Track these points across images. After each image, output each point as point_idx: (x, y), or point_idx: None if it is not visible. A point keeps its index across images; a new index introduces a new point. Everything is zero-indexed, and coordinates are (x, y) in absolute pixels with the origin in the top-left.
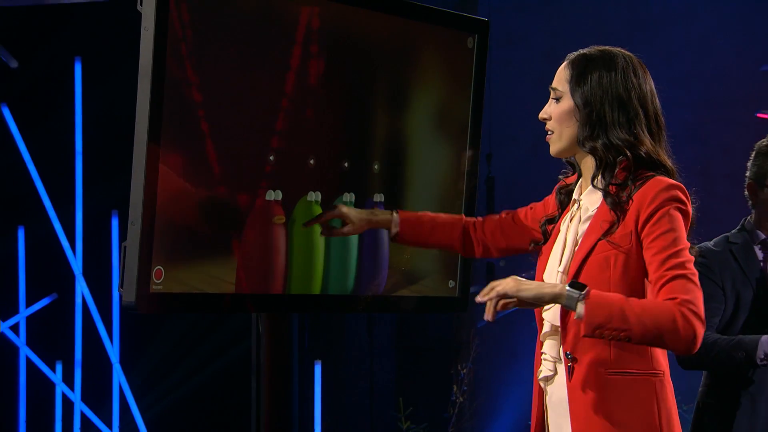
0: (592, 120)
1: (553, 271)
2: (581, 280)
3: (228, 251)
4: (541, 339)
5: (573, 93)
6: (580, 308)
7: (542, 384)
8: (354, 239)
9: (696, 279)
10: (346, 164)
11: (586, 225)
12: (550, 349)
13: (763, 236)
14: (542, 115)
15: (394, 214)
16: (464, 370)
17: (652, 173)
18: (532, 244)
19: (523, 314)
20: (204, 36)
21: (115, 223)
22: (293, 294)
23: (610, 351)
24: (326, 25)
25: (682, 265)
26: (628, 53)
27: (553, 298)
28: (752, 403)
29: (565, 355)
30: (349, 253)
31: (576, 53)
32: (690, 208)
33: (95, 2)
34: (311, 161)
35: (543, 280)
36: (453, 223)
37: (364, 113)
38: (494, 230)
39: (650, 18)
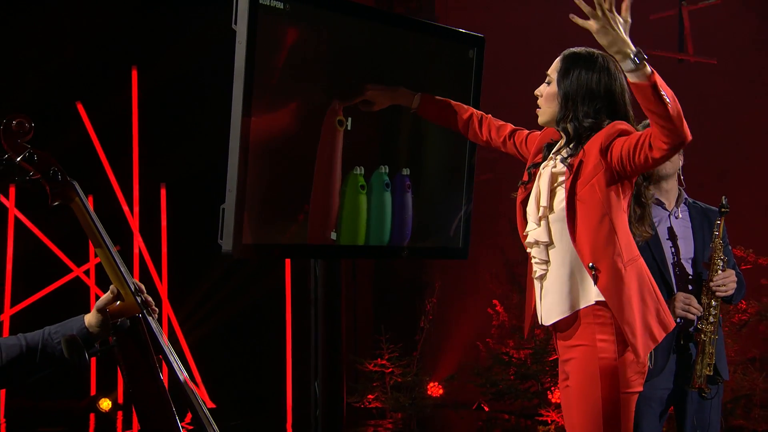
0: (567, 108)
1: (534, 206)
2: (578, 204)
3: (296, 212)
4: (527, 249)
5: (558, 83)
6: (647, 66)
7: (537, 281)
8: (389, 206)
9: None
10: (381, 146)
11: (561, 175)
12: (538, 254)
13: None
14: (536, 91)
15: (417, 95)
16: (429, 304)
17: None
18: (519, 183)
19: (466, 266)
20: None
21: (163, 193)
22: (344, 245)
23: (613, 255)
24: (358, 40)
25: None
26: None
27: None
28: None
29: (589, 266)
30: (385, 214)
31: (569, 50)
32: (633, 129)
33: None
34: (357, 142)
35: (525, 212)
36: (464, 112)
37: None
38: (499, 139)
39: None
